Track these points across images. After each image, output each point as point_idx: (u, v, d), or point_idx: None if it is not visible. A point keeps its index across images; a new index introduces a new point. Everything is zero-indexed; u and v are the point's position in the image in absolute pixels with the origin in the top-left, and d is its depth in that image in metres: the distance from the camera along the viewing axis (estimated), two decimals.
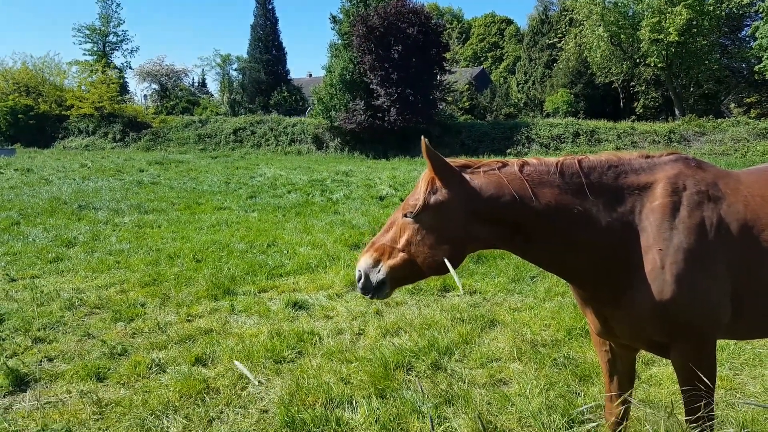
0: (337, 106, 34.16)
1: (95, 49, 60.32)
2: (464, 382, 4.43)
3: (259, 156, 33.33)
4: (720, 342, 4.87)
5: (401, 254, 2.58)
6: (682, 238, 2.44)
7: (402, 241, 2.58)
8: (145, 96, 61.97)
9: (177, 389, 4.34)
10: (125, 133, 40.65)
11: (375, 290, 2.64)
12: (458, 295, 6.70)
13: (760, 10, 31.57)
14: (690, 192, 2.53)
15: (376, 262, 2.62)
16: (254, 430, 3.82)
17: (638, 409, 3.79)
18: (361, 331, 5.62)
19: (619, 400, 2.92)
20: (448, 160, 2.62)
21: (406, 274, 2.62)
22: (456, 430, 3.65)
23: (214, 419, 3.97)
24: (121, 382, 4.56)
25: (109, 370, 4.75)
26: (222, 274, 7.55)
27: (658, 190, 2.54)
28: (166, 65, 58.42)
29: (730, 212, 2.53)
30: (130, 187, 16.99)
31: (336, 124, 34.43)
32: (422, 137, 2.62)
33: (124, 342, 5.35)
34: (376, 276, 2.62)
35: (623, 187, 2.58)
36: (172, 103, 52.35)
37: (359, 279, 2.64)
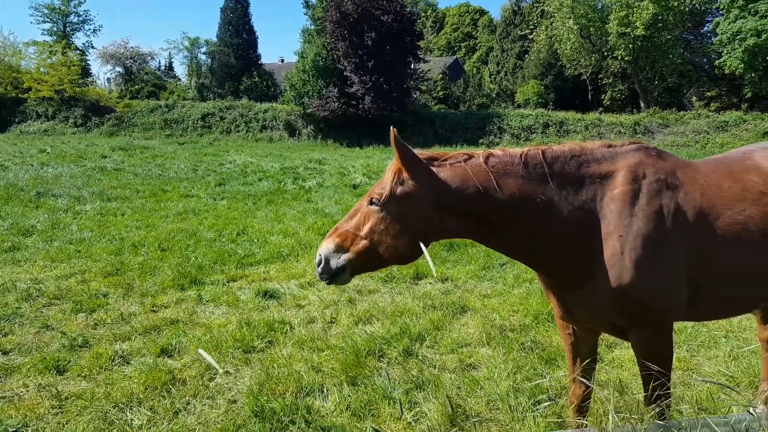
0: (310, 93, 33.75)
1: (55, 29, 58.02)
2: (435, 368, 4.45)
3: (229, 142, 32.80)
4: (678, 325, 5.01)
5: (363, 242, 2.58)
6: (641, 224, 2.51)
7: (365, 228, 2.59)
8: (108, 79, 60.16)
9: (141, 381, 4.25)
10: (87, 117, 39.34)
11: (334, 275, 2.64)
12: (430, 283, 6.71)
13: (721, 6, 32.28)
14: (649, 180, 2.60)
15: (338, 248, 2.61)
16: (222, 420, 3.76)
17: (601, 390, 3.86)
18: (333, 320, 5.59)
19: (571, 378, 2.99)
20: (416, 151, 2.62)
21: (367, 261, 2.62)
22: (426, 414, 3.66)
23: (181, 411, 3.90)
24: (82, 374, 4.44)
25: (69, 362, 4.61)
26: (189, 264, 7.41)
27: (618, 179, 2.60)
28: (131, 48, 56.80)
29: (687, 200, 2.61)
30: (93, 174, 16.51)
31: (309, 111, 34.02)
32: (391, 127, 2.62)
33: (86, 333, 5.20)
34: (337, 261, 2.61)
35: (585, 176, 2.63)
36: (137, 87, 51.01)
37: (319, 263, 2.64)
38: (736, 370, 4.21)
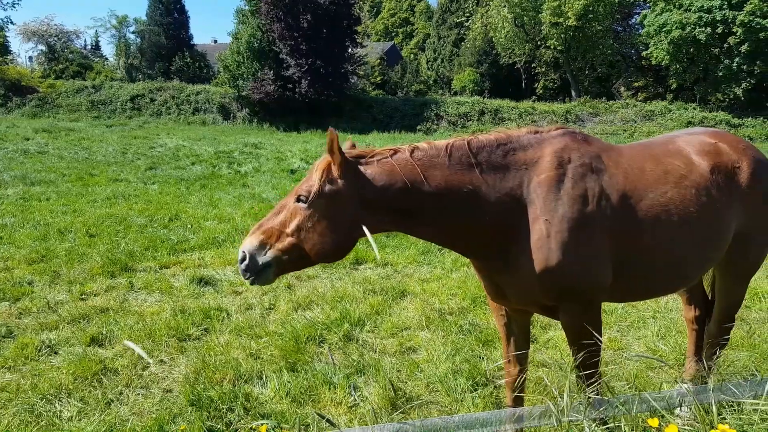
0: (244, 75, 32.84)
1: None
2: (375, 352, 4.49)
3: (160, 125, 31.52)
4: (608, 306, 5.27)
5: (289, 239, 2.52)
6: (566, 208, 2.59)
7: (292, 225, 2.52)
8: (30, 58, 56.42)
9: (70, 371, 4.07)
10: (7, 97, 36.71)
11: (258, 273, 2.54)
12: (370, 268, 6.75)
13: None
14: (574, 165, 2.68)
15: (263, 245, 2.53)
16: (157, 410, 3.65)
17: (536, 370, 4.03)
18: (272, 306, 5.53)
19: (506, 359, 3.09)
20: (343, 147, 2.61)
21: (293, 259, 2.55)
22: (367, 398, 3.70)
23: (113, 401, 3.76)
24: (6, 366, 4.20)
25: None
26: (119, 250, 7.12)
27: (544, 164, 2.66)
28: (55, 25, 53.39)
29: (611, 183, 2.70)
30: (14, 157, 15.52)
31: (244, 93, 33.11)
32: (329, 129, 2.56)
33: (9, 323, 4.92)
34: (262, 258, 2.52)
35: (512, 163, 2.68)
36: (61, 66, 48.03)
37: (242, 260, 2.53)
38: (664, 348, 4.48)
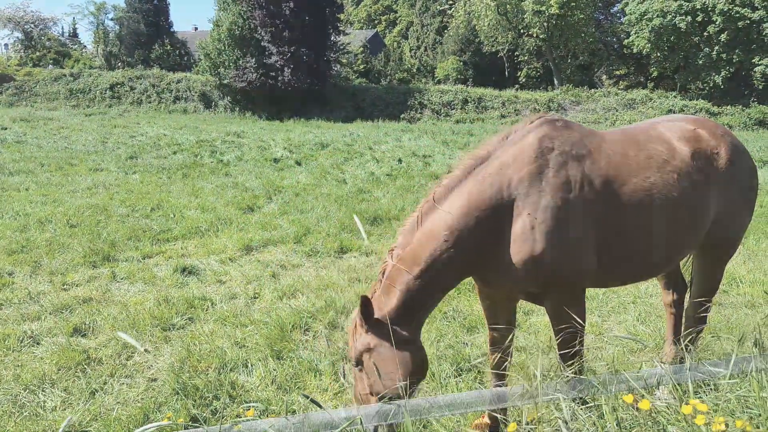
0: (226, 63, 32.41)
1: None
2: None
3: (140, 114, 31.06)
4: (590, 292, 5.35)
5: (372, 398, 2.64)
6: (548, 198, 2.61)
7: (363, 387, 2.69)
8: (5, 45, 55.03)
9: (54, 362, 4.05)
10: None
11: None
12: (354, 257, 6.76)
13: None
14: (556, 153, 2.70)
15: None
16: (142, 399, 3.65)
17: (519, 355, 4.09)
18: (257, 295, 5.52)
19: (490, 344, 3.14)
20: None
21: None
22: (353, 384, 3.72)
23: (98, 391, 3.75)
24: None
25: None
26: (101, 240, 7.05)
27: (524, 158, 2.67)
28: (32, 11, 52.02)
29: (593, 169, 2.73)
30: None
31: (225, 81, 32.70)
32: (361, 299, 2.59)
33: None
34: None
35: (491, 175, 2.68)
36: (38, 54, 46.96)
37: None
38: (645, 331, 4.57)
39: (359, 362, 2.67)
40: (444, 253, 2.62)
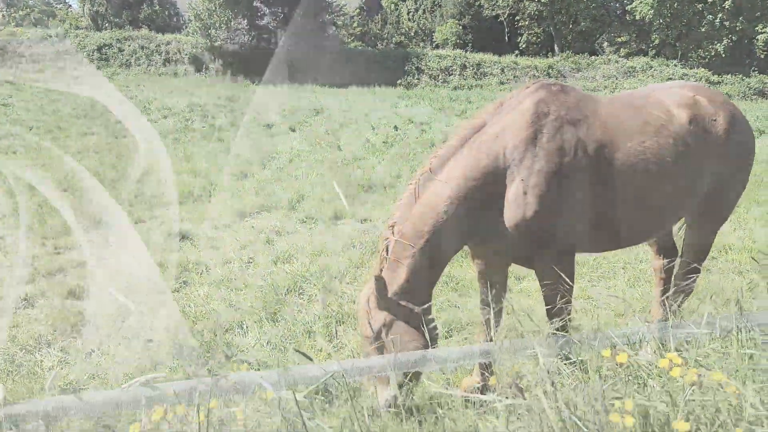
0: (217, 24, 31.73)
1: None
2: (354, 303, 4.57)
3: (129, 77, 30.51)
4: (580, 258, 5.40)
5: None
6: (542, 163, 2.62)
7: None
8: None
9: (49, 323, 4.08)
10: None
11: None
12: (349, 224, 6.77)
13: None
14: (551, 118, 2.70)
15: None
16: (138, 359, 3.70)
17: (510, 318, 4.14)
18: (251, 260, 5.55)
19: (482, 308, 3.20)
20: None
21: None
22: (346, 345, 3.79)
23: (94, 351, 3.80)
24: None
25: None
26: (93, 205, 7.02)
27: (519, 125, 2.68)
28: None
29: (588, 134, 2.73)
30: None
31: (217, 44, 32.10)
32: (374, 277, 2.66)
33: None
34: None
35: (487, 143, 2.70)
36: (22, 13, 45.85)
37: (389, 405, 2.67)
38: (632, 297, 4.64)
39: (378, 339, 2.71)
40: (445, 223, 2.65)
